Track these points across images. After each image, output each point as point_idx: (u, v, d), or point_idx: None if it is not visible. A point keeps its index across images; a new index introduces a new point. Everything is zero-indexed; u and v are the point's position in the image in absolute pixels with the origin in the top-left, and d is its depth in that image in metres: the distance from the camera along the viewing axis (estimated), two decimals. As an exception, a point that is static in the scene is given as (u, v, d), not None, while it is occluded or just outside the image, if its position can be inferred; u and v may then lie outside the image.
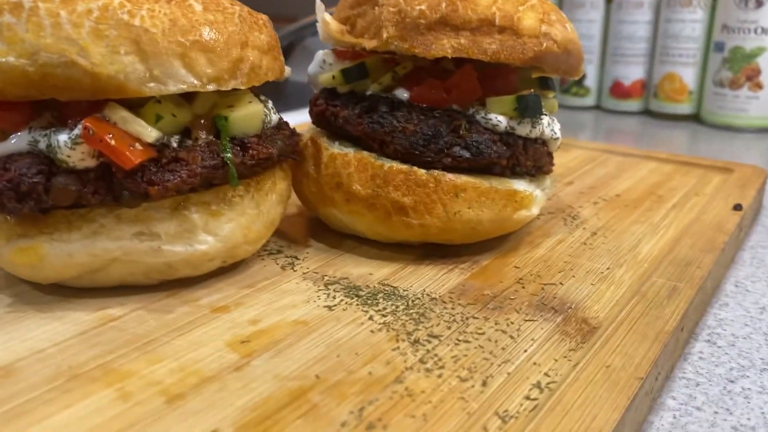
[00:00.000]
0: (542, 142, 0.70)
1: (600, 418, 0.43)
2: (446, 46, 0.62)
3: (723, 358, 0.58)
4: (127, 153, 0.52)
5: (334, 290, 0.60)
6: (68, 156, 0.52)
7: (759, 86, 1.44)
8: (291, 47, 1.79)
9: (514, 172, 0.68)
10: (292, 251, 0.70)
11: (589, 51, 1.66)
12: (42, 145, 0.53)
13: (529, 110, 0.66)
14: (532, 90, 0.69)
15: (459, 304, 0.58)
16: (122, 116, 0.53)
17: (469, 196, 0.64)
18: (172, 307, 0.57)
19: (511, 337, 0.53)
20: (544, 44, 0.64)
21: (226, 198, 0.59)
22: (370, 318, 0.55)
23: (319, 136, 0.71)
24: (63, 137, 0.52)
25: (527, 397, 0.45)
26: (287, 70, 0.67)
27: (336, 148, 0.68)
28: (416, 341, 0.52)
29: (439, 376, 0.47)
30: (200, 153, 0.56)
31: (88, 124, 0.52)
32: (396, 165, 0.64)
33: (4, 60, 0.50)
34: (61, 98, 0.52)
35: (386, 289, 0.61)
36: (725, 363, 0.57)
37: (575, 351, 0.51)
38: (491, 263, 0.67)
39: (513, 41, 0.63)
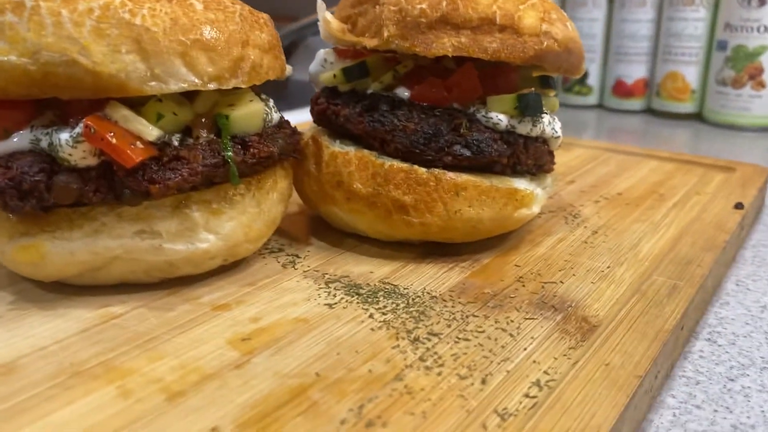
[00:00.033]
0: (543, 140, 0.70)
1: (599, 416, 0.43)
2: (447, 44, 0.62)
3: (723, 356, 0.58)
4: (129, 151, 0.52)
5: (334, 288, 0.61)
6: (70, 154, 0.52)
7: (762, 85, 1.44)
8: (293, 46, 1.80)
9: (515, 171, 0.68)
10: (293, 249, 0.70)
11: (591, 50, 1.66)
12: (44, 144, 0.53)
13: (529, 109, 0.66)
14: (533, 89, 0.69)
15: (459, 303, 0.58)
16: (123, 115, 0.53)
17: (469, 194, 0.64)
18: (173, 305, 0.57)
19: (511, 335, 0.53)
20: (545, 43, 0.64)
21: (227, 196, 0.60)
22: (371, 316, 0.56)
23: (320, 134, 0.71)
24: (64, 136, 0.52)
25: (526, 395, 0.45)
26: (288, 69, 0.67)
27: (337, 147, 0.68)
28: (416, 339, 0.52)
29: (439, 374, 0.48)
30: (201, 151, 0.57)
31: (89, 122, 0.52)
32: (397, 163, 0.65)
33: (5, 59, 0.50)
34: (63, 97, 0.52)
35: (387, 287, 0.61)
36: (725, 361, 0.57)
37: (575, 349, 0.51)
38: (492, 262, 0.67)
39: (514, 40, 0.63)
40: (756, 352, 0.58)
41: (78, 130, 0.52)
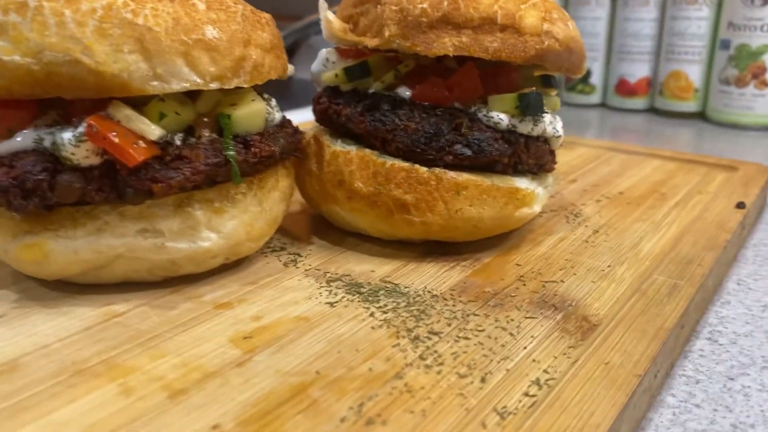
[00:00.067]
0: (544, 140, 0.70)
1: (598, 415, 0.43)
2: (448, 44, 0.62)
3: (724, 355, 0.58)
4: (131, 151, 0.53)
5: (335, 287, 0.61)
6: (73, 153, 0.53)
7: (765, 84, 1.43)
8: (296, 45, 1.80)
9: (516, 170, 0.68)
10: (295, 248, 0.70)
11: (594, 48, 1.66)
12: (47, 143, 0.53)
13: (530, 108, 0.66)
14: (534, 88, 0.69)
15: (460, 301, 0.58)
16: (126, 114, 0.54)
17: (470, 193, 0.64)
18: (176, 303, 0.58)
19: (511, 334, 0.53)
20: (546, 42, 0.64)
21: (229, 195, 0.60)
22: (371, 315, 0.56)
23: (322, 133, 0.71)
24: (67, 135, 0.53)
25: (526, 394, 0.46)
26: (290, 68, 0.67)
27: (338, 146, 0.68)
28: (416, 338, 0.52)
29: (439, 372, 0.48)
30: (203, 151, 0.57)
31: (92, 121, 0.52)
32: (398, 163, 0.65)
33: (9, 59, 0.50)
34: (66, 96, 0.52)
35: (387, 286, 0.61)
36: (726, 361, 0.57)
37: (575, 348, 0.51)
38: (493, 261, 0.67)
39: (515, 39, 0.63)
40: (756, 351, 0.59)
41: (81, 129, 0.53)
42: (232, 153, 0.58)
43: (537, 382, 0.47)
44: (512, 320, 0.55)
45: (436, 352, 0.50)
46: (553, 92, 0.73)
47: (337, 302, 0.58)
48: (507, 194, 0.66)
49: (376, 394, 0.45)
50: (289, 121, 0.69)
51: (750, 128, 1.47)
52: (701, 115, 1.57)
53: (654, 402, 0.51)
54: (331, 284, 0.62)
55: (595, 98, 1.71)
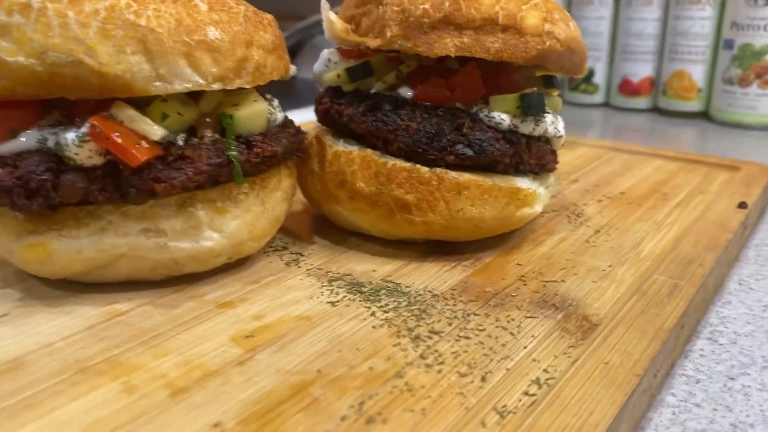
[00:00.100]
0: (546, 140, 0.70)
1: (597, 414, 0.44)
2: (449, 45, 0.62)
3: (724, 355, 0.58)
4: (134, 151, 0.53)
5: (337, 286, 0.61)
6: (76, 154, 0.53)
7: (768, 83, 1.43)
8: (299, 45, 1.80)
9: (518, 170, 0.69)
10: (297, 248, 0.70)
11: (597, 48, 1.66)
12: (50, 143, 0.54)
13: (532, 108, 0.66)
14: (536, 88, 0.70)
15: (460, 301, 0.59)
16: (129, 115, 0.54)
17: (471, 193, 0.65)
18: (178, 302, 0.58)
19: (512, 333, 0.53)
20: (547, 43, 0.64)
21: (231, 195, 0.60)
22: (373, 314, 0.56)
23: (324, 134, 0.72)
24: (71, 135, 0.53)
25: (526, 393, 0.46)
26: (292, 68, 0.68)
27: (340, 146, 0.68)
28: (417, 337, 0.53)
29: (439, 371, 0.48)
30: (206, 151, 0.57)
31: (95, 122, 0.53)
32: (399, 163, 0.65)
33: (13, 60, 0.51)
34: (69, 97, 0.53)
35: (389, 285, 0.62)
36: (726, 360, 0.57)
37: (575, 348, 0.51)
38: (494, 260, 0.68)
39: (516, 40, 0.63)
40: (757, 351, 0.59)
41: (84, 129, 0.53)
42: (234, 153, 0.58)
43: (537, 381, 0.47)
44: (513, 320, 0.56)
45: (436, 351, 0.51)
46: (555, 92, 0.73)
47: (338, 301, 0.58)
48: (508, 194, 0.66)
49: (377, 392, 0.46)
50: (291, 121, 0.69)
51: (753, 128, 1.46)
52: (704, 115, 1.57)
53: (654, 401, 0.52)
54: (333, 284, 0.62)
55: (598, 98, 1.71)
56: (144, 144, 0.54)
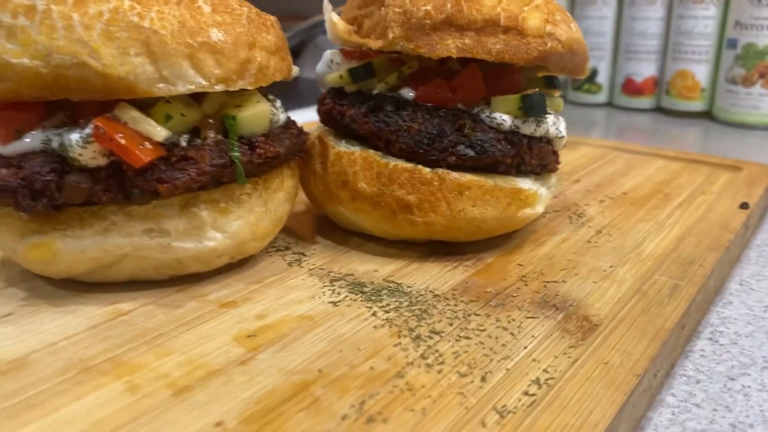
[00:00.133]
0: (547, 140, 0.71)
1: (596, 414, 0.44)
2: (451, 46, 0.63)
3: (724, 356, 0.58)
4: (137, 152, 0.53)
5: (339, 286, 0.62)
6: (80, 154, 0.54)
7: (772, 83, 1.43)
8: (302, 45, 1.81)
9: (519, 171, 0.69)
10: (300, 248, 0.71)
11: (601, 48, 1.66)
12: (55, 144, 0.54)
13: (533, 109, 0.66)
14: (537, 89, 0.70)
15: (461, 301, 0.59)
16: (132, 116, 0.54)
17: (473, 194, 0.65)
18: (181, 302, 0.59)
19: (512, 334, 0.54)
20: (549, 44, 0.64)
21: (234, 196, 0.61)
22: (374, 314, 0.56)
23: (326, 134, 0.72)
24: (75, 136, 0.54)
25: (526, 393, 0.46)
26: (295, 69, 0.68)
27: (342, 147, 0.69)
28: (418, 337, 0.53)
29: (439, 371, 0.48)
30: (209, 152, 0.58)
31: (99, 123, 0.53)
32: (401, 163, 0.65)
33: (18, 61, 0.51)
34: (74, 98, 0.53)
35: (390, 285, 0.62)
36: (726, 361, 0.57)
37: (575, 348, 0.52)
38: (495, 261, 0.68)
39: (517, 41, 0.63)
40: (757, 351, 0.59)
41: (88, 130, 0.54)
42: (237, 154, 0.59)
43: (537, 381, 0.47)
44: (513, 320, 0.56)
45: (437, 351, 0.51)
46: (557, 93, 0.73)
47: (340, 301, 0.59)
48: (510, 195, 0.66)
49: (378, 392, 0.46)
50: (293, 122, 0.70)
51: (757, 128, 1.46)
52: (708, 115, 1.57)
53: (654, 401, 0.52)
54: (335, 284, 0.62)
55: (601, 97, 1.71)
56: (147, 145, 0.54)
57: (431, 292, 0.61)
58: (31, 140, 0.55)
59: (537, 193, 0.69)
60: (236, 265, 0.66)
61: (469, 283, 0.62)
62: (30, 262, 0.58)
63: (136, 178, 0.55)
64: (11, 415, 0.44)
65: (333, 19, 0.71)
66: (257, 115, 0.62)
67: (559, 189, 0.90)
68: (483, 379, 0.47)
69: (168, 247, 0.58)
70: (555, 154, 0.73)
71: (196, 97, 0.59)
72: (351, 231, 0.74)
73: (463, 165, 0.65)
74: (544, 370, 0.49)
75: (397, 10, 0.64)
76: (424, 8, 0.63)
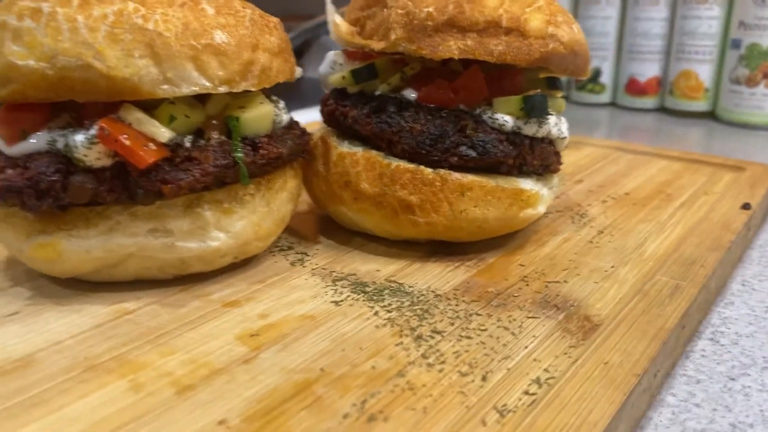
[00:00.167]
0: (549, 141, 0.71)
1: (596, 413, 0.44)
2: (453, 47, 0.63)
3: (725, 356, 0.58)
4: (142, 152, 0.54)
5: (341, 286, 0.62)
6: (85, 155, 0.54)
7: (776, 83, 1.43)
8: (306, 45, 1.81)
9: (521, 171, 0.69)
10: (302, 248, 0.71)
11: (604, 48, 1.66)
12: (60, 145, 0.55)
13: (535, 110, 0.67)
14: (539, 90, 0.70)
15: (463, 301, 0.59)
16: (137, 117, 0.55)
17: (475, 194, 0.65)
18: (185, 301, 0.59)
19: (513, 333, 0.54)
20: (551, 45, 0.65)
21: (237, 196, 0.61)
22: (376, 313, 0.57)
23: (329, 135, 0.72)
24: (80, 137, 0.54)
25: (526, 392, 0.46)
26: (298, 71, 0.68)
27: (345, 147, 0.69)
28: (419, 337, 0.53)
29: (440, 370, 0.49)
30: (212, 153, 0.58)
31: (103, 124, 0.54)
32: (403, 164, 0.66)
33: (24, 63, 0.52)
34: (79, 100, 0.54)
35: (392, 285, 0.62)
36: (727, 361, 0.58)
37: (576, 348, 0.52)
38: (497, 261, 0.68)
39: (519, 42, 0.64)
40: (758, 351, 0.59)
41: (93, 131, 0.54)
42: (240, 155, 0.59)
43: (537, 380, 0.48)
44: (514, 320, 0.56)
45: (438, 350, 0.51)
46: (558, 94, 0.74)
47: (342, 301, 0.59)
48: (512, 195, 0.67)
49: (379, 391, 0.46)
50: (296, 123, 0.70)
51: (760, 128, 1.46)
52: (711, 115, 1.57)
53: (654, 401, 0.52)
54: (337, 283, 0.63)
55: (605, 97, 1.71)
56: (152, 146, 0.55)
57: (433, 292, 0.61)
58: (36, 141, 0.56)
59: (539, 194, 0.69)
60: (239, 264, 0.66)
61: (470, 283, 0.63)
62: (35, 261, 0.58)
63: (140, 178, 0.55)
64: (17, 413, 0.44)
65: (336, 21, 0.71)
66: (260, 116, 0.62)
67: (562, 189, 0.90)
68: (484, 379, 0.48)
69: (172, 246, 0.59)
70: (557, 154, 0.73)
71: (200, 99, 0.59)
72: (353, 231, 0.74)
73: (465, 166, 0.65)
74: (545, 370, 0.49)
75: (399, 11, 0.64)
76: (426, 10, 0.63)
